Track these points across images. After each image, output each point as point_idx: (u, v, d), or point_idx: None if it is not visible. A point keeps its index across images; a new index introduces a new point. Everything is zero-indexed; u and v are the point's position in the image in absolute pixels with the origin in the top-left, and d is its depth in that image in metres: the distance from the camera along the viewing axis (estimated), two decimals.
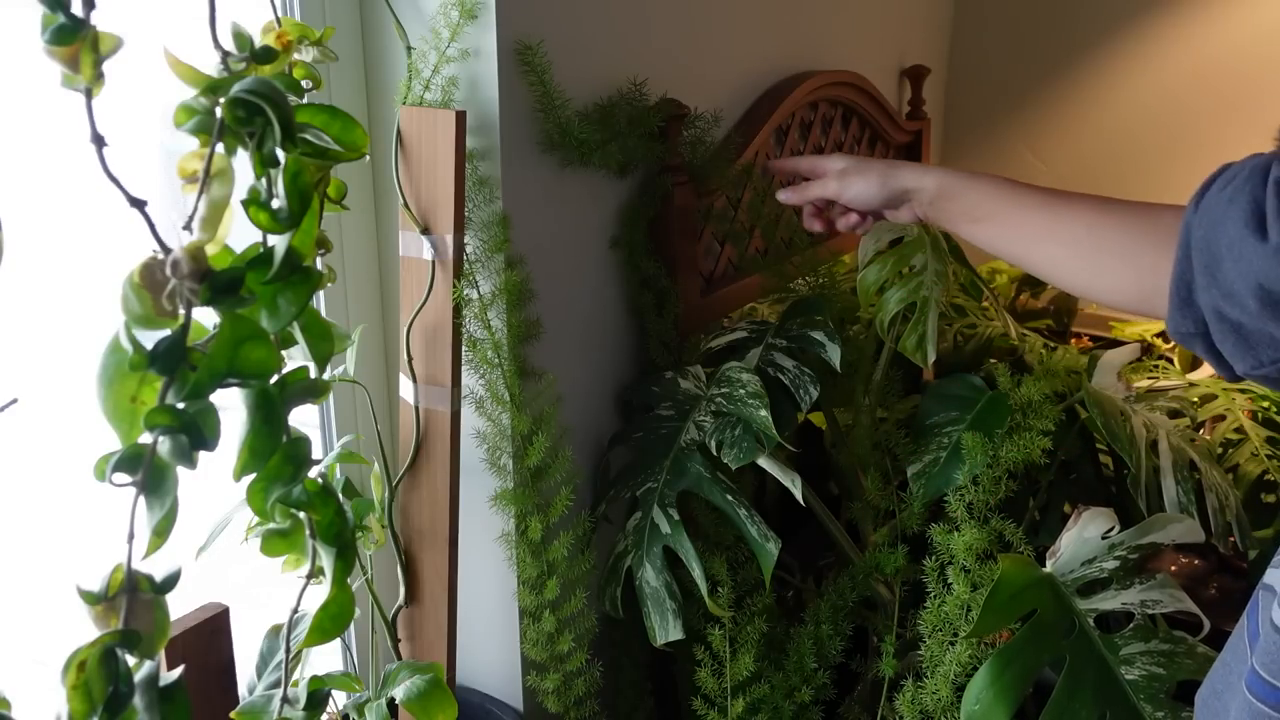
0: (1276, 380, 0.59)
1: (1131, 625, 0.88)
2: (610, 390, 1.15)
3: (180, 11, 0.69)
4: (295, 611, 0.70)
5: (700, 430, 1.00)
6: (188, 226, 0.51)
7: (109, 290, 0.50)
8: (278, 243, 0.57)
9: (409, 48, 0.91)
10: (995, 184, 0.84)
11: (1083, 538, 0.91)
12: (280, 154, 0.55)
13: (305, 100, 0.69)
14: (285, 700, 0.70)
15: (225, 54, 0.56)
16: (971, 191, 0.84)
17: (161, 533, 0.51)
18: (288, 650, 0.69)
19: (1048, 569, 0.91)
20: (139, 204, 0.49)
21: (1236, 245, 0.56)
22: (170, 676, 0.53)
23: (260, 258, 0.57)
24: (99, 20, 0.47)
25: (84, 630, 0.49)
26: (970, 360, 1.38)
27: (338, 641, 1.06)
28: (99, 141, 0.47)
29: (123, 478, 0.50)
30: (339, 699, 0.88)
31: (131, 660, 0.50)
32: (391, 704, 0.80)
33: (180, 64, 0.54)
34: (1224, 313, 0.59)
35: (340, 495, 0.68)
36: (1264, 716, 0.51)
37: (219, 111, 0.53)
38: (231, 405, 0.56)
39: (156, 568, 0.52)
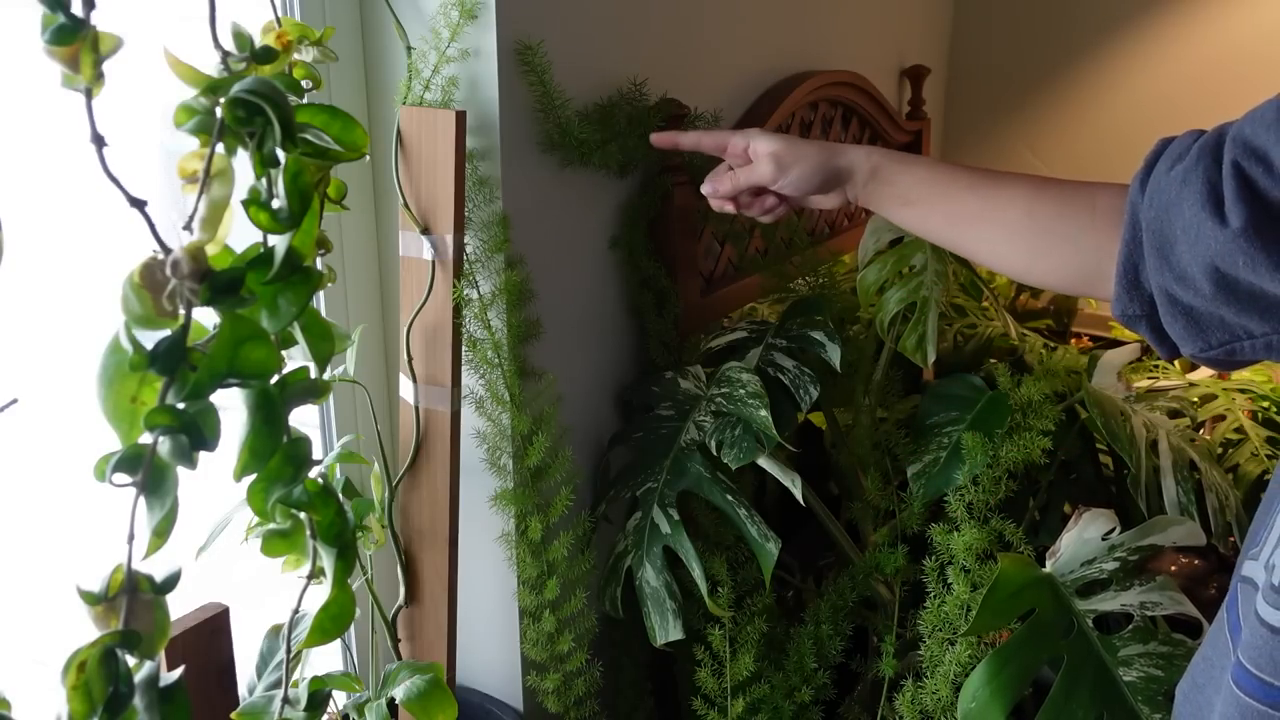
0: (1223, 362, 0.59)
1: (1130, 627, 0.88)
2: (610, 390, 1.15)
3: (180, 11, 0.69)
4: (296, 612, 0.70)
5: (700, 430, 1.00)
6: (188, 226, 0.51)
7: (109, 290, 0.50)
8: (278, 243, 0.57)
9: (409, 48, 0.91)
10: (929, 167, 0.80)
11: (1083, 538, 0.91)
12: (280, 154, 0.55)
13: (305, 100, 0.69)
14: (286, 701, 0.70)
15: (225, 54, 0.56)
16: (905, 174, 0.80)
17: (161, 533, 0.51)
18: (288, 650, 0.69)
19: (1047, 569, 0.91)
20: (139, 204, 0.49)
21: (1192, 228, 0.55)
22: (170, 677, 0.53)
23: (260, 258, 0.57)
24: (99, 20, 0.47)
25: (84, 630, 0.49)
26: (970, 360, 1.38)
27: (338, 641, 1.06)
28: (99, 141, 0.47)
29: (123, 478, 0.50)
30: (339, 699, 0.88)
31: (131, 660, 0.50)
32: (391, 704, 0.80)
33: (180, 64, 0.54)
34: (1175, 295, 0.59)
35: (340, 495, 0.68)
36: (1252, 710, 0.50)
37: (219, 111, 0.53)
38: (231, 405, 0.56)
39: (156, 568, 0.52)
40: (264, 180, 0.57)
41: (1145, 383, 1.45)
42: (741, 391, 0.98)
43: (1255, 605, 0.51)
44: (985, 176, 0.76)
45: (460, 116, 0.87)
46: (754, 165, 0.86)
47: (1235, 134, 0.55)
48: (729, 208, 0.90)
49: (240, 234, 0.55)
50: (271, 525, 0.66)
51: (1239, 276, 0.53)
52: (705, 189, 0.90)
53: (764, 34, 1.36)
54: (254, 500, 0.60)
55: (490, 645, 1.10)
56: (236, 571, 0.95)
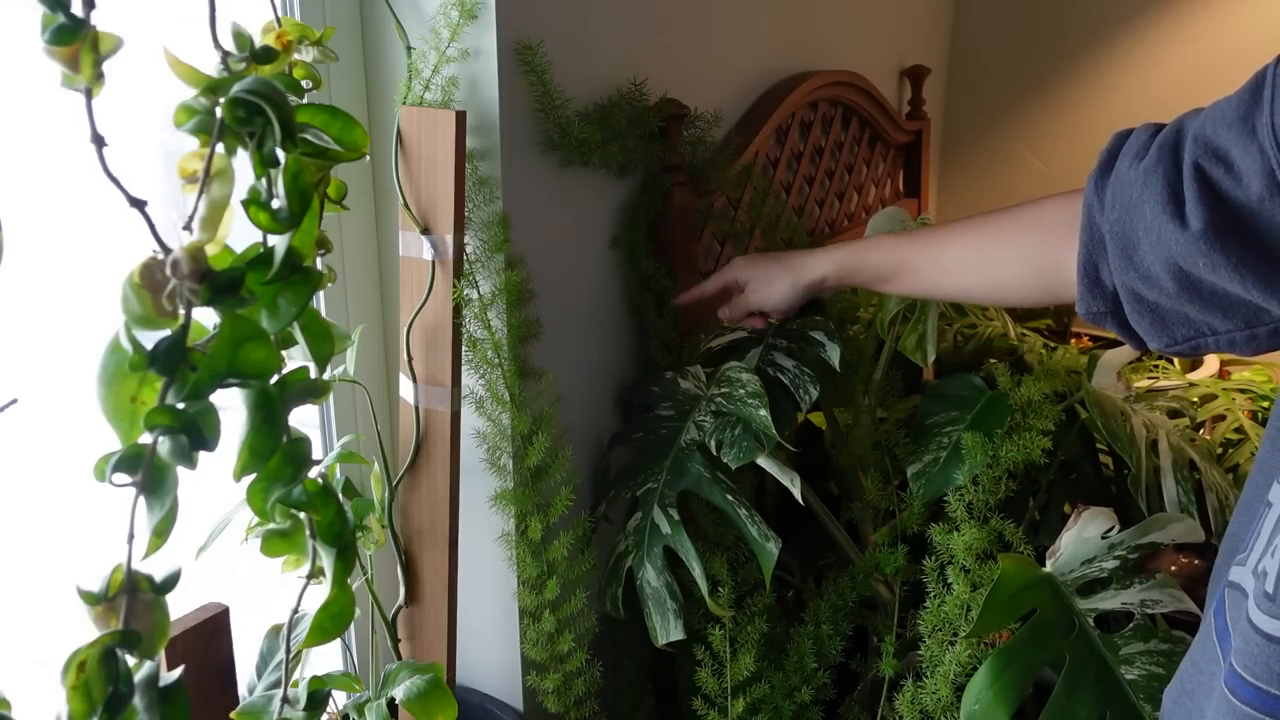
0: (1188, 355, 0.63)
1: (1131, 625, 0.88)
2: (610, 390, 1.15)
3: (180, 11, 0.69)
4: (295, 611, 0.70)
5: (700, 430, 1.00)
6: (188, 226, 0.51)
7: (109, 290, 0.50)
8: (278, 243, 0.57)
9: (409, 48, 0.91)
10: (880, 248, 0.90)
11: (1083, 537, 0.91)
12: (280, 154, 0.55)
13: (305, 100, 0.69)
14: (285, 700, 0.70)
15: (225, 54, 0.56)
16: (866, 262, 0.92)
17: (161, 533, 0.51)
18: (288, 650, 0.69)
19: (1048, 569, 0.91)
20: (139, 204, 0.49)
21: (1154, 229, 0.56)
22: (170, 676, 0.53)
23: (260, 258, 0.57)
24: (99, 20, 0.47)
25: (84, 630, 0.49)
26: (970, 360, 1.38)
27: (338, 641, 1.06)
28: (99, 141, 0.47)
29: (123, 478, 0.50)
30: (339, 699, 0.88)
31: (131, 660, 0.50)
32: (391, 704, 0.80)
33: (180, 64, 0.54)
34: (1141, 294, 0.60)
35: (340, 495, 0.68)
36: (1247, 718, 0.51)
37: (219, 111, 0.53)
38: (231, 405, 0.56)
39: (156, 568, 0.52)
40: (264, 180, 0.57)
41: (1145, 383, 1.45)
42: (741, 391, 0.98)
43: (1246, 612, 0.51)
44: (933, 235, 0.86)
45: (460, 116, 0.87)
46: (744, 296, 1.02)
47: (1196, 133, 0.55)
48: (758, 323, 1.06)
49: (240, 234, 0.55)
50: (271, 525, 0.66)
51: (1201, 277, 0.54)
52: (722, 319, 1.07)
53: (764, 34, 1.36)
54: (254, 500, 0.60)
55: (490, 645, 1.10)
56: (236, 571, 0.95)
